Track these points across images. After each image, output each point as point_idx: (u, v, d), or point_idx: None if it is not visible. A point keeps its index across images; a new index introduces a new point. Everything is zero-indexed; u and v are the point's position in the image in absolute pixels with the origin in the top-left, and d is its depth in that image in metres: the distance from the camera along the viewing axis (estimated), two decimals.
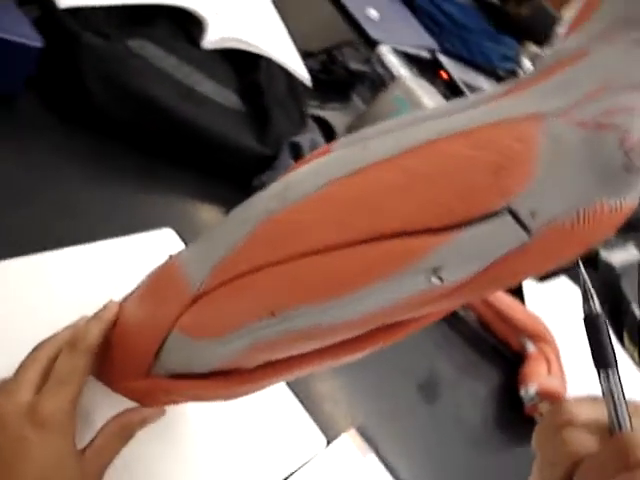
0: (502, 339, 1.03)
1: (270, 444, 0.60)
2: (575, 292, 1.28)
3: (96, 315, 0.48)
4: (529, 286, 1.14)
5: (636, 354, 1.34)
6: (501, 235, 0.33)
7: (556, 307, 1.17)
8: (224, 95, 0.86)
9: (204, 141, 0.80)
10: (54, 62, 0.71)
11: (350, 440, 0.66)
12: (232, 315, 0.40)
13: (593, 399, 0.45)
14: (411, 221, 0.34)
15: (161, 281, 0.46)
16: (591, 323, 0.42)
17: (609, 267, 1.50)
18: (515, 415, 0.92)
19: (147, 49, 0.79)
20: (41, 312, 0.54)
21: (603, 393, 0.42)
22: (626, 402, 0.42)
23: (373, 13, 1.57)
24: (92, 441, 0.45)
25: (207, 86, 0.84)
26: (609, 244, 1.62)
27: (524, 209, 0.32)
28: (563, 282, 1.27)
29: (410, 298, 0.35)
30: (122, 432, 0.47)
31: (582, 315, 0.42)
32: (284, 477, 0.59)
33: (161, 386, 0.45)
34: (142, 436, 0.49)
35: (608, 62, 0.31)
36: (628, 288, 1.52)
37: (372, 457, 0.67)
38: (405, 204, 0.34)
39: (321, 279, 0.37)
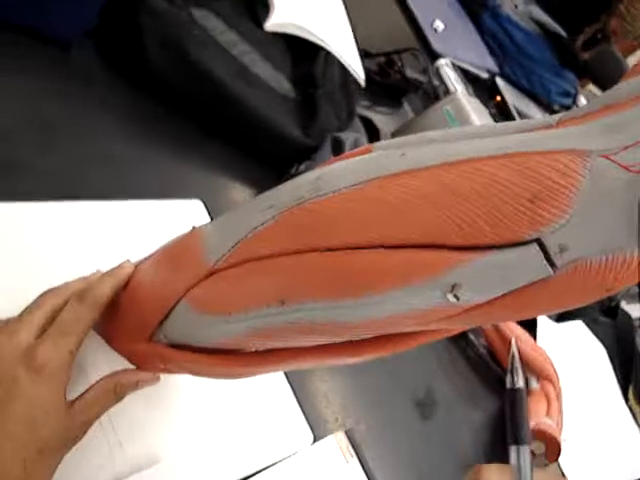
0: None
1: (257, 430, 0.60)
2: (588, 338, 1.26)
3: (110, 271, 0.48)
4: (544, 323, 1.13)
5: (638, 411, 1.32)
6: (526, 265, 0.32)
7: (566, 349, 1.16)
8: (277, 80, 0.86)
9: (249, 121, 0.80)
10: (115, 15, 0.71)
11: (336, 442, 0.66)
12: (242, 296, 0.40)
13: (506, 467, 0.46)
14: (438, 234, 0.34)
15: (180, 249, 0.46)
16: (511, 397, 0.43)
17: (627, 318, 1.49)
18: (505, 448, 0.92)
19: (210, 20, 0.79)
20: (56, 259, 0.54)
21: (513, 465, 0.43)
22: (531, 477, 0.43)
23: (439, 25, 1.56)
24: (83, 394, 0.45)
25: (262, 68, 0.84)
26: (632, 296, 1.60)
27: (554, 243, 0.31)
28: (578, 326, 1.26)
29: (424, 310, 0.35)
30: (115, 390, 0.47)
31: (508, 386, 0.43)
32: (264, 466, 0.58)
33: (160, 353, 0.45)
34: (133, 398, 0.49)
35: None
36: None
37: (355, 463, 0.66)
38: (435, 217, 0.34)
39: (339, 277, 0.36)
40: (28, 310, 0.45)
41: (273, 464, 0.59)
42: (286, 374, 0.66)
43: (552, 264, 0.32)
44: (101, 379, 0.47)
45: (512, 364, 0.43)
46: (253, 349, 0.43)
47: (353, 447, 0.67)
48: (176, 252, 0.46)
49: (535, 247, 0.32)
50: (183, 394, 0.56)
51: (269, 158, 0.84)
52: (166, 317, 0.44)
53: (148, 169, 0.69)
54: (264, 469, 0.58)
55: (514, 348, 0.39)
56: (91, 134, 0.66)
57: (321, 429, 0.67)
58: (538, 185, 0.32)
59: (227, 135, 0.80)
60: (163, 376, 0.52)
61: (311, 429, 0.65)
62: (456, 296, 0.34)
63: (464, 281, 0.33)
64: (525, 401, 0.43)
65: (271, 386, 0.64)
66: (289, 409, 0.64)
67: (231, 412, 0.59)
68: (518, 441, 0.43)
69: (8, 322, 0.45)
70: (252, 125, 0.81)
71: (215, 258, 0.41)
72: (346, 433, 0.68)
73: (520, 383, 0.43)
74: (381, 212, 0.35)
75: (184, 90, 0.76)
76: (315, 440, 0.65)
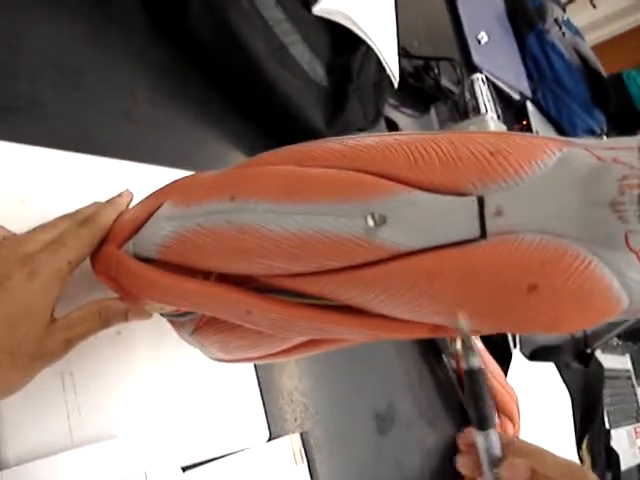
0: None
1: (216, 420, 0.60)
2: (556, 382, 1.27)
3: (112, 200, 0.49)
4: (517, 360, 1.13)
5: (588, 461, 1.34)
6: (457, 216, 0.31)
7: (533, 389, 1.16)
8: (312, 65, 0.85)
9: (275, 102, 0.79)
10: None
11: (290, 444, 0.66)
12: (205, 189, 0.41)
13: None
14: (390, 162, 0.34)
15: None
16: (469, 379, 0.41)
17: (599, 368, 1.49)
18: (454, 475, 0.92)
19: None
20: (52, 210, 0.52)
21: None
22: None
23: (484, 37, 1.55)
24: (69, 313, 0.45)
25: (300, 50, 0.83)
26: (610, 348, 1.61)
27: (493, 203, 0.30)
28: (549, 368, 1.26)
29: (340, 239, 0.34)
30: (101, 313, 0.46)
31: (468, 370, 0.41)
32: (215, 456, 0.58)
33: (117, 257, 0.45)
34: (100, 368, 0.49)
35: None
36: (608, 395, 1.51)
37: (303, 468, 0.66)
38: (387, 150, 0.35)
39: (286, 180, 0.37)
40: (40, 227, 0.46)
41: (224, 455, 0.59)
42: (256, 367, 0.66)
43: (483, 225, 0.31)
44: (89, 301, 0.46)
45: (465, 344, 0.40)
46: (180, 260, 0.43)
47: (305, 451, 0.67)
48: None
49: (473, 199, 0.31)
50: (151, 373, 0.56)
51: (287, 142, 0.82)
52: (142, 225, 0.45)
53: (165, 133, 0.68)
54: (214, 459, 0.58)
55: (463, 324, 0.36)
56: (116, 86, 0.64)
57: (279, 427, 0.67)
58: (506, 145, 0.31)
59: (251, 111, 0.79)
60: (133, 354, 0.51)
61: (269, 425, 0.65)
62: (375, 221, 0.33)
63: (391, 214, 0.33)
64: (485, 382, 0.41)
65: (238, 377, 0.64)
66: (252, 403, 0.64)
67: (194, 398, 0.59)
68: (484, 427, 0.42)
69: (17, 235, 0.45)
70: (277, 106, 0.79)
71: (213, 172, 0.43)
72: (301, 435, 0.68)
73: (477, 363, 0.41)
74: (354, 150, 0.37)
75: (218, 58, 0.74)
76: (271, 437, 0.65)
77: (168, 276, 0.42)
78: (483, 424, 0.41)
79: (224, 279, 0.41)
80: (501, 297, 0.31)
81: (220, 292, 0.40)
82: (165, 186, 0.46)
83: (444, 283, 0.32)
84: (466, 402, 0.42)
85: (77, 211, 0.48)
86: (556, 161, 0.30)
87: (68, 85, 0.60)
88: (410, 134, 0.36)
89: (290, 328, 0.39)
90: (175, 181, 0.46)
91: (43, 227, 0.46)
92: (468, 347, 0.40)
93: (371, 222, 0.33)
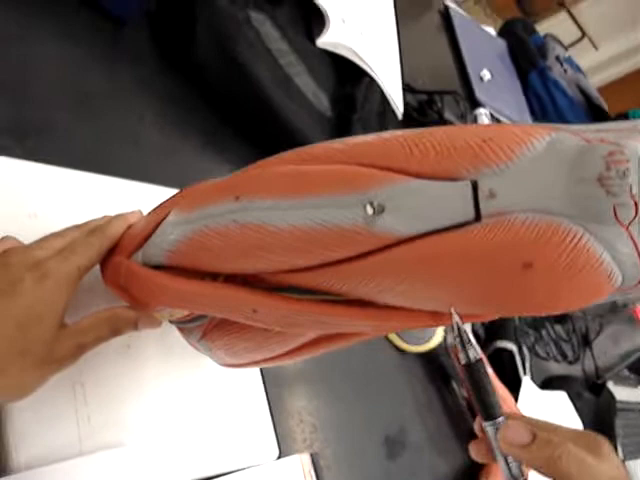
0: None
1: (225, 434, 0.60)
2: (569, 411, 1.26)
3: (122, 214, 0.50)
4: (527, 387, 1.12)
5: None
6: (452, 200, 0.32)
7: (545, 417, 1.15)
8: (317, 96, 0.87)
9: (281, 131, 0.81)
10: (175, 1, 0.72)
11: (300, 463, 0.66)
12: (209, 191, 0.43)
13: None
14: (380, 156, 0.35)
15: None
16: (471, 372, 0.41)
17: (610, 399, 1.48)
18: None
19: (265, 26, 0.80)
20: (59, 226, 0.54)
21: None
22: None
23: (486, 74, 1.57)
24: (80, 320, 0.46)
25: (305, 81, 0.85)
26: (622, 378, 1.60)
27: (486, 186, 0.32)
28: (561, 397, 1.25)
29: (341, 230, 0.35)
30: (111, 321, 0.47)
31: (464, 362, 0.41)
32: (224, 471, 0.58)
33: (126, 266, 0.46)
34: (112, 377, 0.50)
35: None
36: (620, 427, 1.50)
37: None
38: (383, 144, 0.36)
39: (290, 177, 0.38)
40: (52, 234, 0.47)
41: (233, 471, 0.59)
42: (265, 385, 0.66)
43: (477, 208, 0.32)
44: (99, 309, 0.47)
45: (461, 338, 0.41)
46: (189, 264, 0.44)
47: (315, 471, 0.67)
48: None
49: (467, 184, 0.32)
50: (161, 386, 0.56)
51: None
52: (150, 235, 0.46)
53: (171, 158, 0.70)
54: (223, 474, 0.58)
55: (456, 319, 0.37)
56: (125, 112, 0.66)
57: (288, 446, 0.67)
58: (497, 132, 0.33)
59: (256, 139, 0.81)
60: (143, 367, 0.52)
61: (278, 444, 0.65)
62: (374, 209, 0.34)
63: (388, 203, 0.34)
64: (485, 372, 0.41)
65: (248, 394, 0.64)
66: (261, 420, 0.64)
67: (203, 412, 0.59)
68: (491, 416, 0.42)
69: (32, 242, 0.46)
70: (283, 135, 0.81)
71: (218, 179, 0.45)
72: (311, 456, 0.68)
73: (474, 354, 0.41)
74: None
75: (224, 88, 0.77)
76: (280, 456, 0.65)
77: (176, 280, 0.43)
78: (489, 413, 0.42)
79: (231, 280, 0.42)
80: (498, 277, 0.32)
81: (227, 292, 0.41)
82: (171, 196, 0.47)
83: (443, 267, 0.33)
84: (470, 394, 0.43)
85: (86, 222, 0.50)
86: (545, 145, 0.31)
87: (79, 110, 0.62)
88: (406, 130, 0.37)
89: (296, 323, 0.40)
90: (181, 190, 0.47)
91: (54, 235, 0.47)
92: (464, 340, 0.41)
93: (370, 211, 0.34)
